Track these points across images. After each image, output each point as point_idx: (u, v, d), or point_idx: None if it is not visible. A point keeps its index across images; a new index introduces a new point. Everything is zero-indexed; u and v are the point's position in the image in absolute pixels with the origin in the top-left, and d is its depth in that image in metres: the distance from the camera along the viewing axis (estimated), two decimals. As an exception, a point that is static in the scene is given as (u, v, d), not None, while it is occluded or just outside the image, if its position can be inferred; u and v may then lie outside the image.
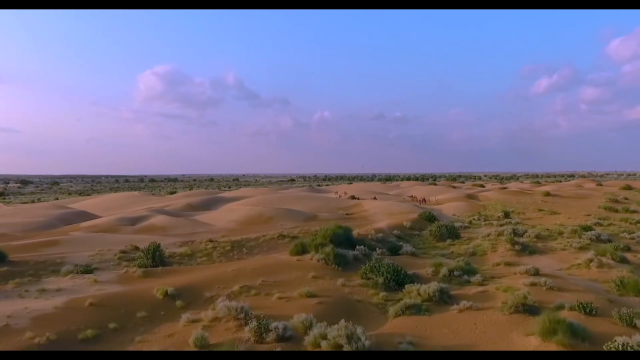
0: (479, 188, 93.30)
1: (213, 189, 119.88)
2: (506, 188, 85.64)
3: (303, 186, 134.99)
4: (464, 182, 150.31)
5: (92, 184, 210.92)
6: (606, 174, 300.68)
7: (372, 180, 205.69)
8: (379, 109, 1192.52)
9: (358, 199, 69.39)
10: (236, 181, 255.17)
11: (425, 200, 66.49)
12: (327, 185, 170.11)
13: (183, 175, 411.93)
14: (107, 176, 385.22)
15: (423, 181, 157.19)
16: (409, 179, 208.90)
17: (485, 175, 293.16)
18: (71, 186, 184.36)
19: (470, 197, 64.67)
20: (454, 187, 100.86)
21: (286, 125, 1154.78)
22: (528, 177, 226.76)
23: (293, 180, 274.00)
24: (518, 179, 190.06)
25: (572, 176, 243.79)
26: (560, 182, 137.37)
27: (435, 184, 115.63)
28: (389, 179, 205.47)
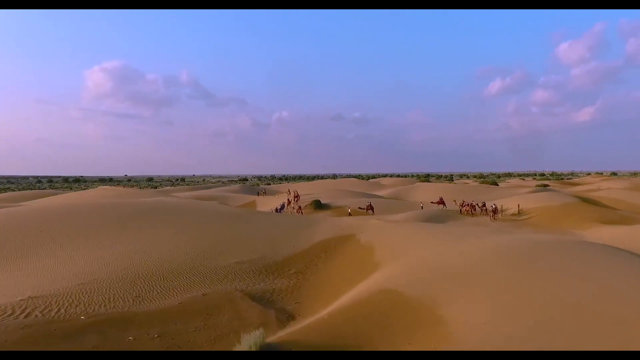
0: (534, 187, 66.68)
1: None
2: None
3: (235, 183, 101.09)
4: (452, 181, 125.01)
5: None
6: (571, 174, 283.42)
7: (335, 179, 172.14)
8: (338, 109, 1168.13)
9: (327, 208, 39.64)
10: (181, 181, 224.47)
11: (496, 211, 38.49)
12: (281, 182, 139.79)
13: (125, 175, 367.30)
14: (36, 177, 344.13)
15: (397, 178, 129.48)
16: (374, 177, 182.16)
17: (451, 175, 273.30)
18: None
19: (588, 200, 36.53)
20: (450, 183, 72.41)
21: (244, 126, 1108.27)
22: (503, 177, 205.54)
23: (245, 180, 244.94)
24: (500, 178, 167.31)
25: (542, 175, 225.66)
26: (568, 179, 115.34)
27: (428, 181, 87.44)
28: (356, 178, 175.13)
